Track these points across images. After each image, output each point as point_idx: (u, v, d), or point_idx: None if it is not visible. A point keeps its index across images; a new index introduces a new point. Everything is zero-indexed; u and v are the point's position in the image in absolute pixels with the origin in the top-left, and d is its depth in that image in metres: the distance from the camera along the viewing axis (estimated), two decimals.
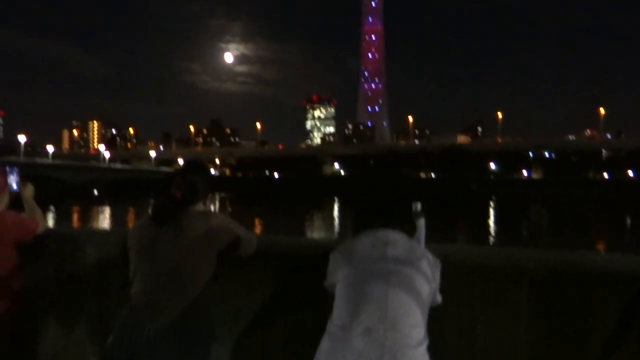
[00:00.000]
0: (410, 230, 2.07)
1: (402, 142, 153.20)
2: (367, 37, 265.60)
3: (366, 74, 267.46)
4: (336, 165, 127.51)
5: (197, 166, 2.38)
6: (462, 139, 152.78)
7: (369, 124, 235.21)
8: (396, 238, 1.94)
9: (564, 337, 2.07)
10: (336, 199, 61.06)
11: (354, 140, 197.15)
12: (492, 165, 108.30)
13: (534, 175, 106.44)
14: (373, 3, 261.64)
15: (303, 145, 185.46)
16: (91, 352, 2.78)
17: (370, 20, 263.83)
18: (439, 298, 1.96)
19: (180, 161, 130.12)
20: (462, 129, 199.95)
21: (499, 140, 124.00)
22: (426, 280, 1.86)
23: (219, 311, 2.33)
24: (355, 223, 2.08)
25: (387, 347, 1.71)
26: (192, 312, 2.05)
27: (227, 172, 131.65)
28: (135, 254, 2.18)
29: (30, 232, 2.83)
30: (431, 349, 1.81)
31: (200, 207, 2.25)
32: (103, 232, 3.32)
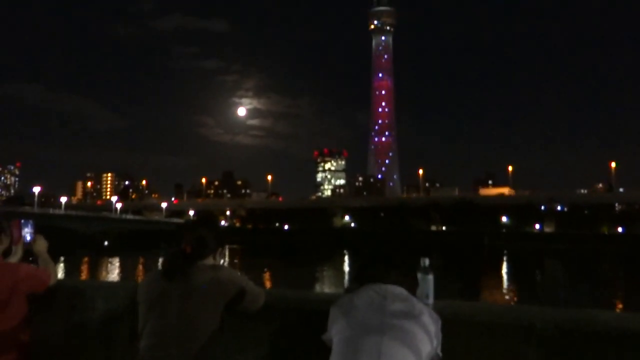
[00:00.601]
0: (411, 284, 2.05)
1: (413, 195, 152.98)
2: (377, 92, 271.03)
3: (376, 127, 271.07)
4: (346, 217, 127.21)
5: (206, 220, 2.43)
6: (472, 192, 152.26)
7: (379, 176, 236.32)
8: (396, 292, 1.92)
9: None
10: (346, 252, 60.51)
11: (364, 192, 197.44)
12: (504, 219, 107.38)
13: (547, 229, 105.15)
14: (384, 58, 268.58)
15: (313, 197, 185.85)
16: None
17: (381, 75, 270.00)
18: (440, 353, 1.89)
19: (192, 212, 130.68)
20: (473, 182, 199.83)
21: (510, 193, 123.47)
22: (428, 336, 1.82)
23: None
24: (357, 276, 2.08)
25: None
26: None
27: (237, 223, 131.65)
28: (144, 308, 2.20)
29: (43, 284, 2.86)
30: None
31: (209, 261, 2.28)
32: (111, 285, 3.35)
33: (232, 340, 2.32)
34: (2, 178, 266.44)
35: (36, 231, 3.14)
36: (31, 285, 2.81)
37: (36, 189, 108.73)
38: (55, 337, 2.94)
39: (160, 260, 2.51)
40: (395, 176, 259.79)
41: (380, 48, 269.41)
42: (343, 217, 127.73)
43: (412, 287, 2.04)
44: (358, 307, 1.90)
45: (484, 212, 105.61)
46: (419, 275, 2.24)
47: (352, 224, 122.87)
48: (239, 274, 2.27)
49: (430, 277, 2.28)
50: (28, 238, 3.03)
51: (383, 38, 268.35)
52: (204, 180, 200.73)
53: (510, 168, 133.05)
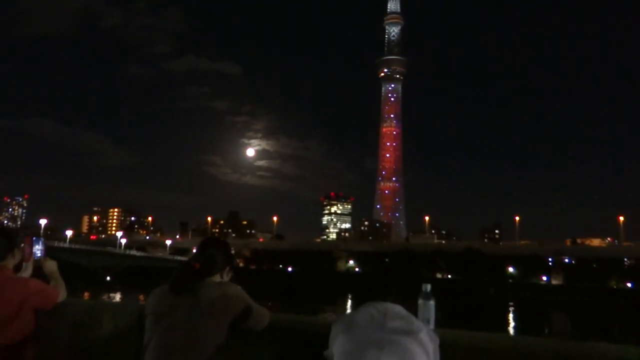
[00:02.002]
0: (409, 306, 2.10)
1: (419, 242, 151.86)
2: (385, 138, 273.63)
3: (383, 173, 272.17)
4: (351, 261, 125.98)
5: (217, 241, 2.53)
6: (479, 242, 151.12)
7: (386, 221, 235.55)
8: (396, 310, 1.96)
9: None
10: (350, 296, 59.68)
11: (370, 237, 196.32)
12: (511, 269, 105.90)
13: (554, 281, 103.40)
14: (392, 105, 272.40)
15: (318, 240, 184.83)
16: None
17: (389, 122, 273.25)
18: None
19: (194, 251, 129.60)
20: (480, 230, 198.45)
21: (522, 243, 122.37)
22: (425, 353, 1.85)
23: None
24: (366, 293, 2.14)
25: None
26: None
27: (241, 263, 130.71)
28: (151, 321, 2.26)
29: (51, 300, 2.92)
30: None
31: (217, 278, 2.36)
32: (119, 303, 3.39)
33: (235, 358, 2.35)
34: (10, 209, 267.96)
35: (46, 250, 3.23)
36: (40, 301, 2.87)
37: (42, 221, 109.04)
38: (62, 352, 2.98)
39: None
40: (401, 222, 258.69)
41: (389, 95, 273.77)
42: (347, 261, 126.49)
43: (410, 308, 2.06)
44: (359, 323, 1.94)
45: (491, 262, 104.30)
46: (420, 301, 2.30)
47: (357, 269, 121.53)
48: (245, 293, 2.33)
49: (432, 302, 2.33)
50: (38, 254, 3.12)
51: (392, 86, 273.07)
52: (209, 219, 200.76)
53: (517, 219, 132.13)
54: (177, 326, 2.17)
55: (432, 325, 2.29)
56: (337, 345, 1.96)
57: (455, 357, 2.10)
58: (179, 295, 2.23)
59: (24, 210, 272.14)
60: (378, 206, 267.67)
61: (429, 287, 2.35)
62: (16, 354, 2.76)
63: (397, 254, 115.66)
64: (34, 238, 3.19)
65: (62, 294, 3.01)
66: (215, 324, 2.19)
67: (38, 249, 3.14)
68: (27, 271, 3.07)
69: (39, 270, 3.12)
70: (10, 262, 2.92)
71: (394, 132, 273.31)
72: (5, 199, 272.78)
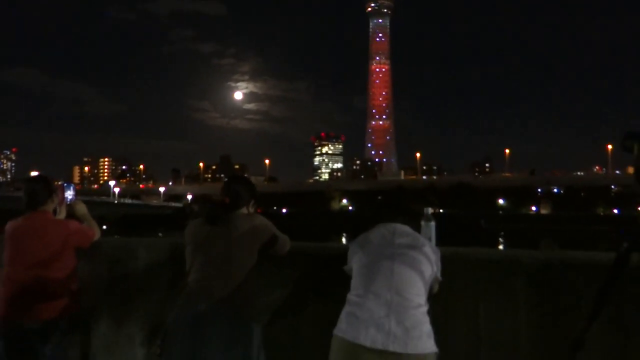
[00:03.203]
0: (415, 225, 2.53)
1: (412, 177, 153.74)
2: (374, 75, 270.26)
3: (374, 111, 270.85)
4: (344, 200, 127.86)
5: (240, 178, 2.85)
6: (470, 175, 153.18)
7: (377, 160, 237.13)
8: (403, 229, 2.41)
9: (555, 319, 2.46)
10: (344, 234, 61.08)
11: (362, 176, 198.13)
12: (501, 201, 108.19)
13: (543, 211, 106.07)
14: (381, 42, 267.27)
15: (311, 181, 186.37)
16: (140, 345, 3.14)
17: (378, 59, 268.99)
18: (439, 277, 2.37)
19: (189, 197, 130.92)
20: (470, 165, 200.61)
21: (508, 175, 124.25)
22: (429, 262, 2.30)
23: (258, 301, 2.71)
24: (372, 217, 2.55)
25: (392, 307, 2.18)
26: (239, 295, 2.47)
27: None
28: (191, 249, 2.61)
29: (89, 238, 3.24)
30: (440, 330, 2.19)
31: (244, 210, 2.69)
32: (152, 239, 3.74)
33: (262, 280, 2.70)
34: None
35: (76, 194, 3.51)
36: (79, 240, 3.19)
37: (33, 174, 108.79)
38: (101, 285, 3.33)
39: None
40: (392, 160, 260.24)
41: (377, 31, 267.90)
42: (341, 200, 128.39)
43: (416, 227, 2.51)
44: (372, 241, 2.40)
45: (481, 195, 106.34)
46: (423, 223, 2.65)
47: (350, 207, 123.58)
48: (270, 222, 2.67)
49: (432, 224, 2.68)
50: (69, 199, 3.40)
51: (380, 21, 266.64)
52: (201, 164, 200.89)
53: (507, 151, 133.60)
54: (215, 252, 2.52)
55: (433, 243, 2.65)
56: (355, 260, 2.39)
57: (454, 267, 2.47)
58: (214, 226, 2.57)
59: (13, 164, 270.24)
60: (369, 145, 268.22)
61: (430, 210, 2.70)
62: (63, 286, 3.10)
63: (390, 192, 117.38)
64: (65, 184, 3.46)
65: (97, 233, 3.32)
66: (247, 250, 2.54)
67: (69, 194, 3.42)
68: (61, 214, 3.36)
69: (71, 213, 3.42)
70: (50, 207, 3.20)
71: (383, 70, 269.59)
72: None
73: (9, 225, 3.16)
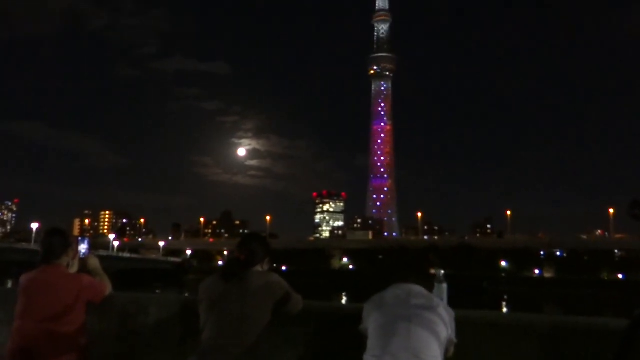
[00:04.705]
0: (428, 286, 2.57)
1: (412, 238, 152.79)
2: (376, 135, 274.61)
3: (375, 170, 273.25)
4: (345, 259, 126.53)
5: (256, 236, 2.92)
6: (472, 237, 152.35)
7: (378, 218, 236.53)
8: (418, 290, 2.46)
9: None
10: (344, 293, 60.10)
11: (363, 233, 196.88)
12: (503, 263, 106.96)
13: (546, 274, 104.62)
14: (383, 103, 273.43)
15: (312, 239, 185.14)
16: None
17: (379, 119, 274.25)
18: (454, 339, 2.39)
19: (189, 252, 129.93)
20: (471, 226, 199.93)
21: (512, 237, 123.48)
22: (443, 323, 2.33)
23: None
24: (385, 278, 2.59)
25: None
26: (253, 355, 2.47)
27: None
28: (205, 306, 2.63)
29: (101, 293, 3.26)
30: None
31: (259, 268, 2.73)
32: (163, 295, 3.74)
33: (276, 338, 2.71)
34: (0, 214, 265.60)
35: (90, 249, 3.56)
36: (91, 295, 3.21)
37: (34, 225, 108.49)
38: (111, 341, 3.31)
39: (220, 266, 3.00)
40: (394, 219, 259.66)
41: (379, 92, 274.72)
42: (341, 258, 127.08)
43: (429, 288, 2.55)
44: (388, 301, 2.45)
45: (484, 256, 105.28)
46: (435, 284, 2.69)
47: (351, 266, 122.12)
48: (285, 281, 2.70)
49: (444, 285, 2.71)
50: (83, 252, 3.44)
51: (382, 83, 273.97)
52: (202, 220, 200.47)
53: (509, 212, 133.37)
54: (230, 310, 2.54)
55: (445, 304, 2.67)
56: (371, 321, 2.42)
57: (466, 329, 2.49)
58: (229, 282, 2.60)
59: (14, 215, 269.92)
60: (370, 203, 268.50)
61: (442, 272, 2.74)
62: (72, 341, 3.09)
63: (391, 251, 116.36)
64: (80, 238, 3.52)
65: (108, 288, 3.34)
66: (262, 307, 2.56)
67: (84, 248, 3.47)
68: (73, 268, 3.39)
69: (83, 267, 3.45)
70: (65, 260, 3.25)
71: (385, 130, 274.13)
72: None
73: (24, 278, 3.20)
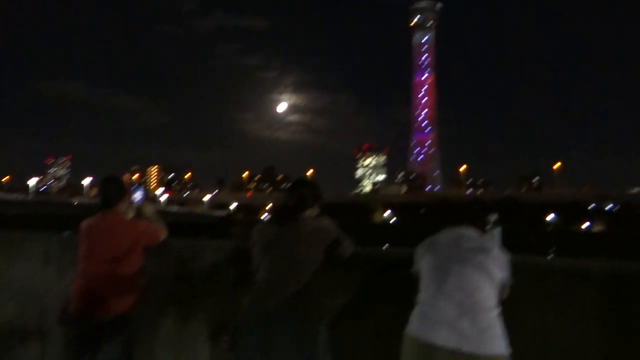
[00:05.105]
0: (481, 230, 2.53)
1: (455, 191, 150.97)
2: (418, 88, 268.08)
3: (417, 123, 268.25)
4: (387, 213, 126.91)
5: (305, 181, 2.92)
6: (518, 190, 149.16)
7: (421, 172, 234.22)
8: (470, 233, 2.45)
9: (628, 332, 2.39)
10: (387, 246, 60.61)
11: (406, 188, 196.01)
12: (551, 217, 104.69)
13: (596, 228, 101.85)
14: (425, 54, 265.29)
15: (353, 193, 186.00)
16: (204, 341, 3.24)
17: (422, 71, 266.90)
18: (509, 282, 2.35)
19: (233, 205, 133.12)
20: (518, 179, 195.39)
21: (558, 190, 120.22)
22: (497, 265, 2.30)
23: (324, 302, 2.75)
24: (439, 222, 2.58)
25: (465, 309, 2.20)
26: (306, 295, 2.54)
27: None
28: (259, 249, 2.69)
29: (157, 238, 3.38)
30: (508, 337, 2.20)
31: (309, 212, 2.75)
32: (217, 241, 3.86)
33: (327, 281, 2.74)
34: (54, 170, 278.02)
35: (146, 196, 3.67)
36: (148, 240, 3.33)
37: (86, 180, 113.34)
38: (167, 284, 3.46)
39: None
40: (436, 173, 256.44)
41: (421, 43, 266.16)
42: (383, 212, 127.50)
43: (481, 231, 2.52)
44: (440, 244, 2.44)
45: (530, 210, 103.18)
46: (488, 229, 2.63)
47: (392, 220, 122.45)
48: (335, 225, 2.72)
49: (497, 230, 2.66)
50: (137, 200, 3.55)
51: (424, 33, 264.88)
52: (245, 174, 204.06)
53: (557, 165, 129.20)
54: (282, 253, 2.60)
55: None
56: (424, 263, 2.42)
57: (520, 273, 2.45)
58: (281, 227, 2.65)
59: (68, 170, 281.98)
60: (412, 158, 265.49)
61: (495, 216, 2.69)
62: (131, 284, 3.24)
63: (433, 205, 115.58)
64: (134, 186, 3.63)
65: (164, 233, 3.45)
66: (313, 251, 2.60)
67: (138, 195, 3.58)
68: (129, 214, 3.52)
69: (139, 214, 3.57)
70: (122, 207, 3.36)
71: (427, 82, 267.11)
72: (49, 160, 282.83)
73: (84, 224, 3.34)
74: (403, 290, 2.63)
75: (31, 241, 4.20)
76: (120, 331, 3.14)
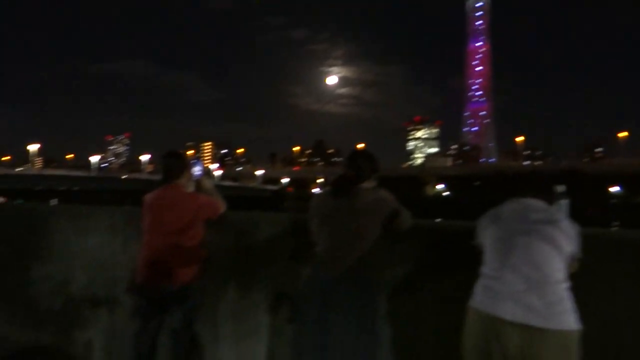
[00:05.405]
0: (548, 201, 2.40)
1: (512, 163, 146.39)
2: (472, 56, 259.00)
3: (471, 93, 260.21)
4: (439, 186, 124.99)
5: (362, 152, 2.88)
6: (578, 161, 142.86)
7: (475, 144, 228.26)
8: (537, 205, 2.32)
9: None
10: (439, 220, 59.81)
11: (459, 161, 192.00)
12: (614, 189, 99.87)
13: None
14: (479, 21, 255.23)
15: (405, 166, 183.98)
16: (265, 312, 3.31)
17: (476, 39, 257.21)
18: (578, 254, 2.24)
19: (284, 180, 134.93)
20: (579, 150, 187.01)
21: (623, 161, 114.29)
22: (566, 237, 2.18)
23: (383, 273, 2.75)
24: (503, 193, 2.47)
25: (532, 282, 2.13)
26: (365, 267, 2.53)
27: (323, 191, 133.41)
28: (318, 221, 2.70)
29: (217, 211, 3.45)
30: (578, 311, 2.12)
31: (367, 184, 2.73)
32: (274, 214, 3.92)
33: (386, 253, 2.73)
34: (114, 147, 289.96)
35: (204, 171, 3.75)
36: (208, 212, 3.41)
37: (145, 157, 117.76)
38: (227, 255, 3.55)
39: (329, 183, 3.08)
40: (491, 144, 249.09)
41: (475, 8, 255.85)
42: (435, 185, 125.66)
43: (549, 203, 2.39)
44: (505, 216, 2.34)
45: (592, 182, 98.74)
46: (554, 200, 2.52)
47: (445, 193, 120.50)
48: (393, 197, 2.68)
49: (565, 201, 2.55)
50: (198, 174, 3.63)
51: None
52: (296, 148, 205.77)
53: (623, 134, 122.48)
54: (340, 225, 2.59)
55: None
56: (488, 235, 2.33)
57: (592, 246, 2.33)
58: (338, 199, 2.64)
59: (127, 147, 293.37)
60: (466, 129, 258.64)
61: (563, 187, 2.57)
62: (194, 255, 3.34)
63: (488, 177, 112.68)
64: (193, 161, 3.71)
65: (223, 206, 3.53)
66: (371, 222, 2.58)
67: (197, 170, 3.66)
68: (189, 188, 3.61)
69: (198, 188, 3.65)
70: (183, 181, 3.46)
71: (482, 49, 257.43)
72: (108, 137, 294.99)
73: (148, 197, 3.46)
74: (464, 263, 2.58)
75: (98, 214, 4.39)
76: (183, 301, 3.26)
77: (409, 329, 2.78)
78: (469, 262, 2.47)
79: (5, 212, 5.26)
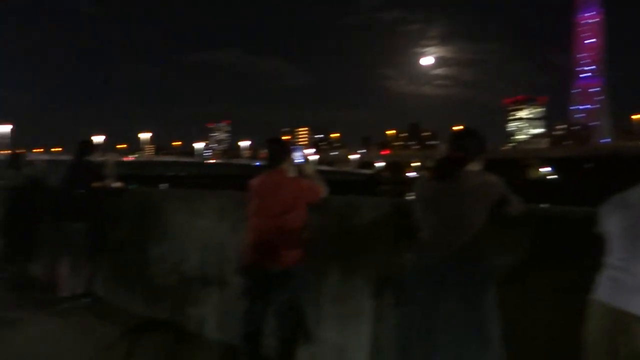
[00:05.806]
0: None
1: (628, 143, 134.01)
2: (581, 28, 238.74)
3: (580, 69, 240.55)
4: (545, 169, 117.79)
5: (469, 132, 2.76)
6: None
7: (585, 123, 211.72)
8: None
9: None
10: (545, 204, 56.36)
11: (568, 141, 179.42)
12: None
13: None
14: None
15: (507, 147, 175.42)
16: (368, 296, 3.32)
17: (586, 9, 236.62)
18: None
19: (378, 164, 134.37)
20: None
21: None
22: None
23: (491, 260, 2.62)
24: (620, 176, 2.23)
25: None
26: (472, 252, 2.43)
27: (427, 175, 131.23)
28: (421, 205, 2.63)
29: (318, 195, 3.52)
30: None
31: (473, 166, 2.60)
32: (374, 198, 3.92)
33: (494, 240, 2.60)
34: (216, 134, 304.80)
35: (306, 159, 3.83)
36: (310, 196, 3.48)
37: (245, 143, 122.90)
38: (328, 238, 3.60)
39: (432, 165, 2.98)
40: (604, 123, 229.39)
41: None
42: (540, 168, 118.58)
43: None
44: (633, 202, 2.11)
45: None
46: None
47: (552, 176, 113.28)
48: (502, 182, 2.54)
49: None
50: (298, 159, 3.71)
51: None
52: (391, 132, 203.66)
53: None
54: (444, 209, 2.50)
55: None
56: (612, 223, 2.14)
57: None
58: (442, 182, 2.55)
59: (229, 134, 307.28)
60: (575, 107, 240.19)
61: None
62: (298, 237, 3.44)
63: (602, 159, 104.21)
64: (294, 147, 3.80)
65: (324, 191, 3.58)
66: (477, 207, 2.45)
67: (298, 155, 3.74)
68: (292, 173, 3.70)
69: (300, 173, 3.73)
70: (286, 166, 3.56)
71: (593, 21, 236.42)
72: (210, 124, 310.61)
73: (254, 181, 3.60)
74: (582, 252, 2.39)
75: (209, 198, 4.64)
76: (288, 282, 3.37)
77: (519, 320, 2.63)
78: (588, 252, 2.28)
79: (124, 196, 5.73)
